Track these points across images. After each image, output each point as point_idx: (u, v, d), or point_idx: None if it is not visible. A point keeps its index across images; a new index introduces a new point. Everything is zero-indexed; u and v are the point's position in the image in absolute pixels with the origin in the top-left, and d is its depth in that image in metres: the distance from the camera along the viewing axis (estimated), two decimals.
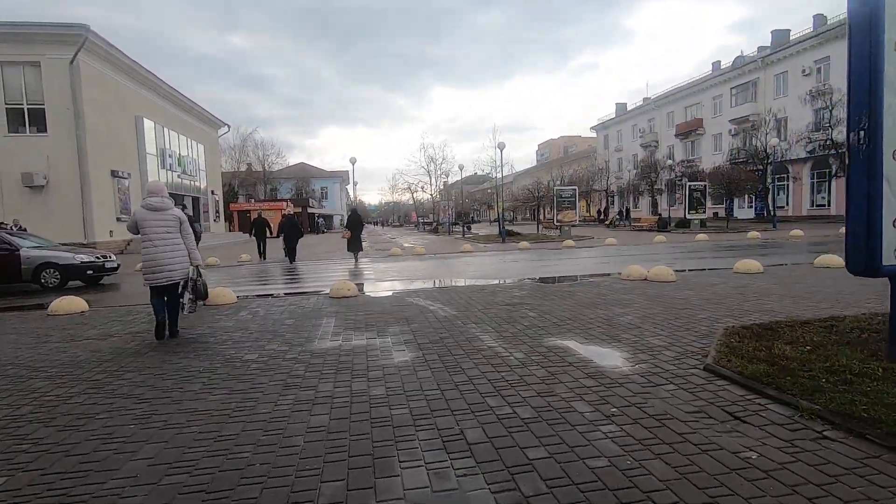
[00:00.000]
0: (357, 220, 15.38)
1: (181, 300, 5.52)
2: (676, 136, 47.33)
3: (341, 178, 71.56)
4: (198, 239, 6.91)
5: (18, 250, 10.77)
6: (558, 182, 42.46)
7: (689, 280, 8.31)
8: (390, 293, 8.38)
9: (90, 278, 11.42)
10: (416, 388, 3.57)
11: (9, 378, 4.21)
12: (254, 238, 17.67)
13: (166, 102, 28.54)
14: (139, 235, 5.39)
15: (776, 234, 20.13)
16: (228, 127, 39.61)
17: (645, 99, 57.31)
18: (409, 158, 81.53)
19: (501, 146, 22.86)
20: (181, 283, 5.46)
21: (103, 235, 21.26)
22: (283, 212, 19.13)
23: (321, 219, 55.65)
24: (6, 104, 20.04)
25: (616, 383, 3.48)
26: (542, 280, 9.57)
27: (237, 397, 3.52)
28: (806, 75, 33.00)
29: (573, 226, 25.39)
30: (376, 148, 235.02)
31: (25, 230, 16.97)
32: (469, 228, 35.56)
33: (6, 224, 16.62)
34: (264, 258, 16.76)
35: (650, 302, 6.45)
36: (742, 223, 31.39)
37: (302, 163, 71.31)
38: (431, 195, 52.94)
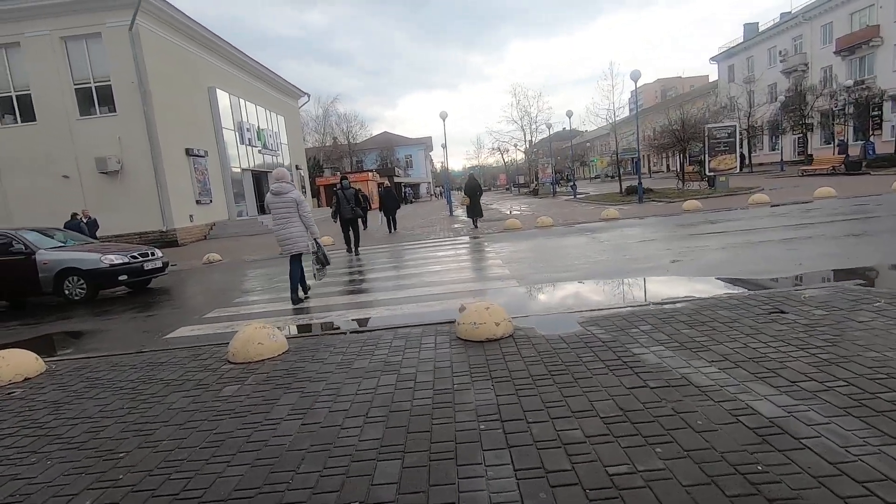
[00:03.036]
0: (475, 186, 15.20)
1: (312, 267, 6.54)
2: (838, 53, 37.24)
3: (425, 144, 68.22)
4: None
5: (34, 253, 8.19)
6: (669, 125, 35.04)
7: None
8: (578, 326, 4.30)
9: (129, 284, 8.69)
10: None
11: None
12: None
13: (240, 71, 26.25)
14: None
15: None
16: (308, 96, 37.22)
17: (783, 14, 46.59)
18: (499, 113, 75.04)
19: (635, 75, 17.42)
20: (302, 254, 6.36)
21: (183, 221, 19.44)
22: (384, 184, 20.95)
23: (408, 188, 52.77)
24: (74, 84, 18.44)
25: None
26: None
27: None
28: None
29: (731, 175, 19.43)
30: (456, 111, 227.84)
31: (96, 221, 15.17)
32: (575, 187, 30.33)
33: (77, 215, 14.88)
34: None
35: None
36: None
37: (385, 132, 68.82)
38: (525, 153, 47.67)
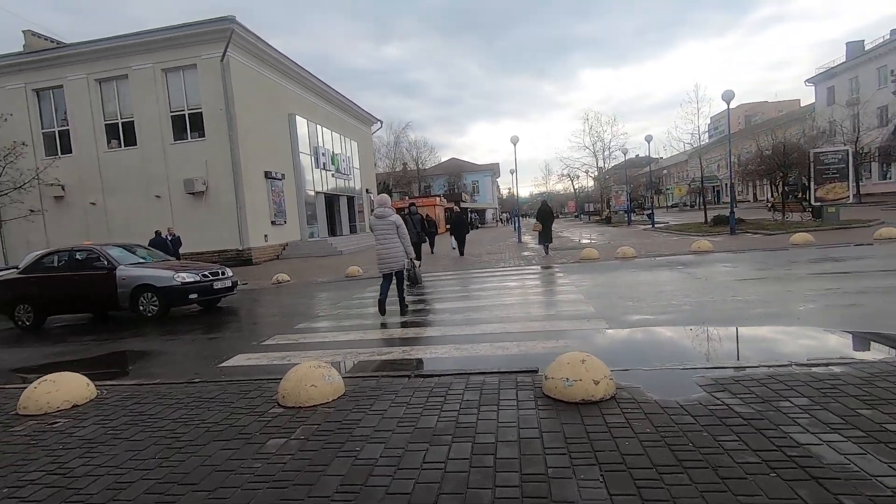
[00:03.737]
0: (548, 213, 15.27)
1: (402, 285, 7.15)
2: None
3: (492, 170, 68.18)
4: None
5: (115, 269, 8.39)
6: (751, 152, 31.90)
7: None
8: (700, 390, 3.41)
9: (199, 302, 8.68)
10: None
11: None
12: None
13: (318, 98, 27.39)
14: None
15: None
16: (381, 123, 38.33)
17: (893, 31, 42.18)
18: (570, 140, 73.33)
19: (728, 95, 15.94)
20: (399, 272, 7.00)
21: (258, 241, 20.12)
22: (454, 209, 22.49)
23: (475, 214, 52.47)
24: (171, 112, 19.90)
25: None
26: None
27: None
28: None
29: (842, 205, 17.13)
30: (524, 139, 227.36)
31: (179, 239, 15.90)
32: (652, 216, 28.40)
33: (161, 232, 15.71)
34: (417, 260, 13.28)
35: None
36: None
37: (453, 158, 69.58)
38: (596, 179, 45.95)
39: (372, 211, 6.34)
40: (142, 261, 9.23)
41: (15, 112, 19.62)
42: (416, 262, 7.12)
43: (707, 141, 52.77)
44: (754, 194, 50.29)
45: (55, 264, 9.20)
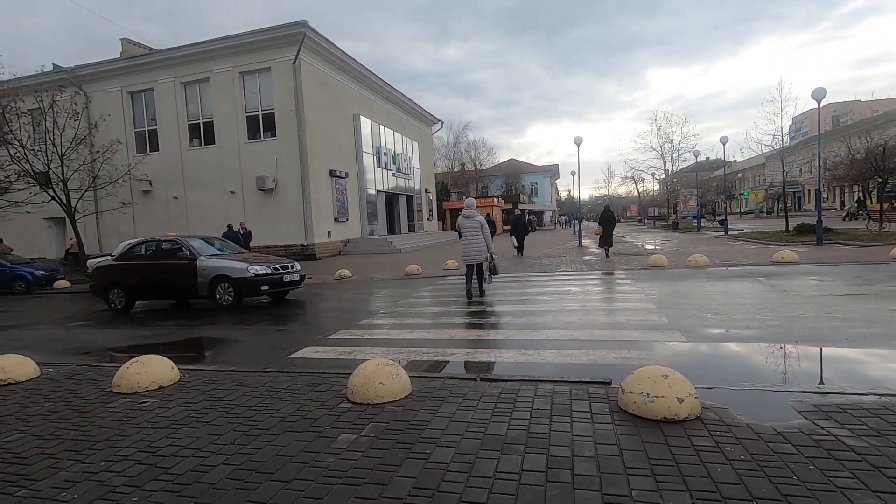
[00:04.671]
0: (610, 217, 15.55)
1: (484, 274, 8.57)
2: None
3: (551, 172, 66.86)
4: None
5: (196, 259, 8.94)
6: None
7: None
8: (798, 417, 3.11)
9: (269, 294, 9.07)
10: None
11: None
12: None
13: (381, 99, 27.99)
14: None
15: None
16: (441, 123, 38.62)
17: None
18: (635, 141, 69.02)
19: (819, 95, 14.63)
20: (482, 263, 8.45)
21: (321, 237, 20.84)
22: (515, 211, 23.93)
23: (532, 215, 51.62)
24: (246, 113, 21.04)
25: None
26: None
27: None
28: None
29: None
30: (584, 140, 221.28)
31: (250, 233, 16.75)
32: (724, 223, 26.63)
33: (232, 226, 16.62)
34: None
35: None
36: None
37: (511, 159, 68.88)
38: (662, 183, 43.81)
39: (456, 212, 7.30)
40: (219, 252, 9.79)
41: (112, 112, 21.51)
42: (494, 256, 8.47)
43: (789, 143, 48.53)
44: (841, 201, 46.09)
45: (144, 253, 9.95)
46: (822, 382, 3.79)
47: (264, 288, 8.82)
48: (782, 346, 4.81)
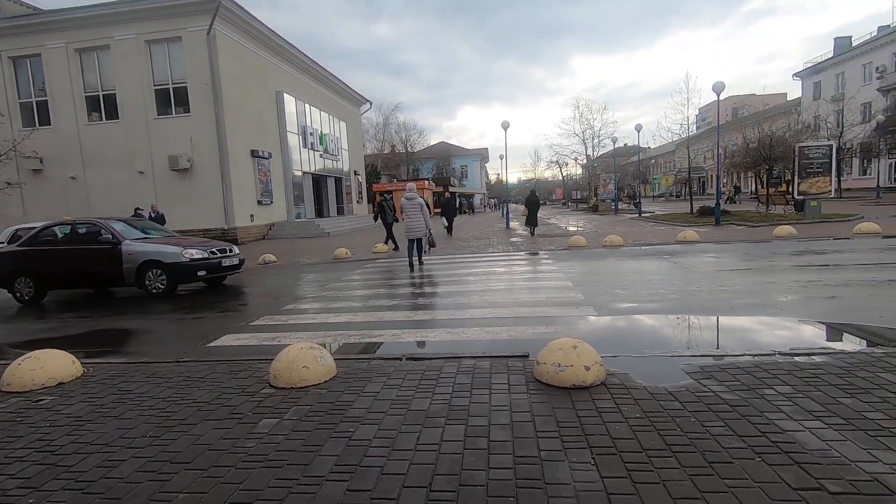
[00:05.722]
0: (535, 201, 17.33)
1: (424, 247, 10.10)
2: None
3: (481, 155, 67.87)
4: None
5: (121, 244, 8.21)
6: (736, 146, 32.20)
7: None
8: (687, 377, 3.49)
9: (205, 280, 8.56)
10: None
11: None
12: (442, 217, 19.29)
13: (306, 77, 26.84)
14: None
15: None
16: (370, 103, 37.78)
17: (881, 28, 42.77)
18: (559, 127, 74.43)
19: (718, 87, 16.02)
20: (421, 238, 9.94)
21: (243, 220, 19.85)
22: (446, 194, 25.97)
23: (463, 198, 52.26)
24: (154, 85, 19.34)
25: None
26: None
27: None
28: None
29: (823, 200, 17.47)
30: (514, 124, 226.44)
31: (163, 216, 15.60)
32: (638, 206, 28.64)
33: (141, 210, 15.38)
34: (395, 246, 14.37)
35: None
36: None
37: (442, 142, 69.02)
38: (584, 167, 46.07)
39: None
40: (146, 236, 9.02)
41: None
42: (432, 232, 10.07)
43: (695, 132, 53.00)
44: (738, 186, 51.00)
45: (58, 237, 8.96)
46: (712, 347, 4.27)
47: (201, 273, 8.28)
48: (679, 316, 5.34)
